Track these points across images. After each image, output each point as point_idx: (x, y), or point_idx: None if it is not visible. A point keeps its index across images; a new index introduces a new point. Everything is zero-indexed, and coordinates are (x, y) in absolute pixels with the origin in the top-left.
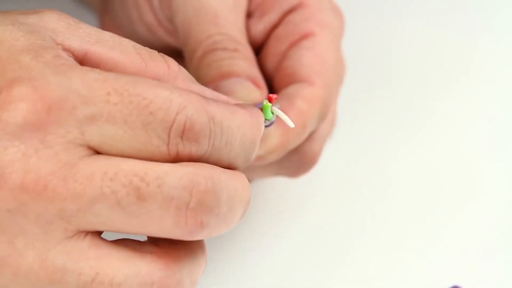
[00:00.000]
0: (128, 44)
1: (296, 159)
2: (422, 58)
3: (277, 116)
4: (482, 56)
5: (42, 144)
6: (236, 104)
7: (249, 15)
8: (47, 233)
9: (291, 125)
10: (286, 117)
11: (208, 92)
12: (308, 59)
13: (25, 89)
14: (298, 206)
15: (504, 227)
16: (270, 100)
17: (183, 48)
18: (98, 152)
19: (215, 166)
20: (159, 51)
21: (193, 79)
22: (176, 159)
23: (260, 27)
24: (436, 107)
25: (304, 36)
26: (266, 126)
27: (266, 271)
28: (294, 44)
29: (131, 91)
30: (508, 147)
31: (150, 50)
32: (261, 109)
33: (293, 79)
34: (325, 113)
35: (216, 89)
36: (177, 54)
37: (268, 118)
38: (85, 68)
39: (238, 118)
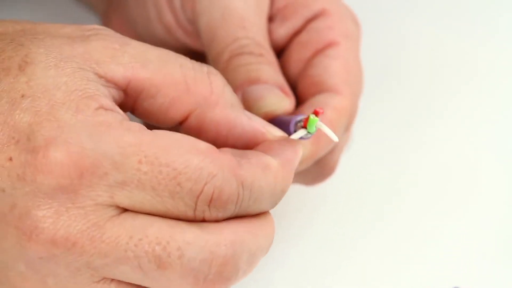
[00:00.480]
0: (174, 63)
1: (317, 169)
2: (429, 60)
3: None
4: (491, 57)
5: (73, 204)
6: (269, 146)
7: (270, 19)
8: (76, 277)
9: (335, 139)
10: (331, 132)
11: (244, 121)
12: (335, 68)
13: (61, 154)
14: (309, 209)
15: (505, 229)
16: (316, 114)
17: (207, 50)
18: (126, 209)
19: (240, 226)
20: (175, 51)
21: (235, 102)
22: (202, 221)
23: (281, 32)
24: (445, 110)
25: (329, 45)
26: (304, 139)
27: (278, 276)
28: (319, 52)
29: (161, 160)
30: None
31: (198, 67)
32: (304, 122)
33: (320, 88)
34: (350, 123)
35: (244, 94)
36: (194, 55)
37: (311, 132)
38: (121, 130)
39: (270, 175)
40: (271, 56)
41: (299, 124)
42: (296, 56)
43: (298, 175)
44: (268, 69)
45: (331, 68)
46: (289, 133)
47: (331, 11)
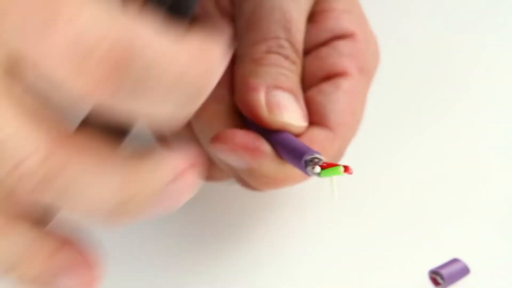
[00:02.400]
0: None
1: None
2: (426, 59)
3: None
4: (487, 55)
5: None
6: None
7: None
8: None
9: (335, 198)
10: (335, 190)
11: None
12: (341, 106)
13: None
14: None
15: (504, 201)
16: (346, 170)
17: (243, 31)
18: None
19: None
20: None
21: None
22: None
23: (307, 36)
24: (440, 110)
25: (343, 74)
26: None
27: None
28: (332, 77)
29: None
30: None
31: None
32: (326, 164)
33: (321, 122)
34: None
35: (269, 95)
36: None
37: (321, 175)
38: None
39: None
40: (301, 67)
41: (311, 158)
42: (310, 69)
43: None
44: (296, 80)
45: (337, 104)
46: (291, 157)
47: (358, 38)
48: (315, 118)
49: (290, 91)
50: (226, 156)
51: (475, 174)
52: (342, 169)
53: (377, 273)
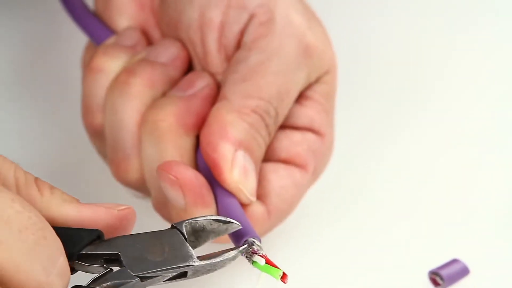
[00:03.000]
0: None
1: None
2: (408, 58)
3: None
4: (467, 55)
5: None
6: None
7: None
8: None
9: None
10: (260, 285)
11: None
12: (286, 194)
13: None
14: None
15: (503, 202)
16: (283, 278)
17: (234, 77)
18: None
19: None
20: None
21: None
22: None
23: (291, 115)
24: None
25: (302, 166)
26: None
27: None
28: (292, 164)
29: None
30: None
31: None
32: (265, 259)
33: (262, 199)
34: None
35: (237, 153)
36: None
37: (253, 264)
38: None
39: None
40: (270, 141)
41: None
42: (279, 143)
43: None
44: (263, 152)
45: (283, 190)
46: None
47: (326, 141)
48: (259, 191)
49: (255, 161)
50: (168, 188)
51: (475, 175)
52: (280, 274)
53: (377, 273)
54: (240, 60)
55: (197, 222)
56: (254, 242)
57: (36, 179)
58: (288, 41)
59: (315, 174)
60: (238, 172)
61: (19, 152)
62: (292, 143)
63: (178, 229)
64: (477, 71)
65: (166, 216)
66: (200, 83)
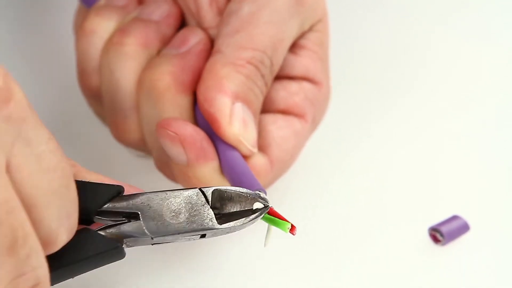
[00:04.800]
0: None
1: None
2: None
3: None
4: (451, 42)
5: None
6: None
7: None
8: None
9: (266, 245)
10: (269, 238)
11: None
12: (287, 145)
13: None
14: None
15: (502, 161)
16: (292, 230)
17: (227, 30)
18: None
19: None
20: None
21: None
22: None
23: (286, 65)
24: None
25: (300, 116)
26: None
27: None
28: (289, 113)
29: None
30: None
31: None
32: (270, 212)
33: (264, 150)
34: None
35: (235, 105)
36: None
37: (263, 220)
38: None
39: None
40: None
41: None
42: (276, 94)
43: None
44: (260, 103)
45: (283, 141)
46: (236, 182)
47: (323, 89)
48: (260, 143)
49: (253, 112)
50: (168, 145)
51: (474, 132)
52: (289, 226)
53: (377, 231)
54: (231, 12)
55: (225, 191)
56: (259, 194)
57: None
58: None
59: (314, 123)
60: (237, 125)
61: None
62: (289, 94)
63: (203, 193)
64: (461, 57)
65: (168, 175)
66: (193, 39)
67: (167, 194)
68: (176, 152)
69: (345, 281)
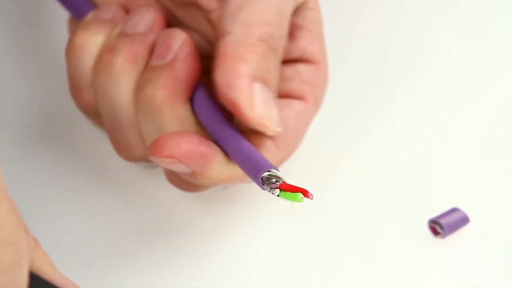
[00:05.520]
0: None
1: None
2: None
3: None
4: (447, 38)
5: None
6: None
7: None
8: None
9: (296, 219)
10: (296, 211)
11: None
12: (289, 125)
13: None
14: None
15: (502, 153)
16: (305, 195)
17: (233, 6)
18: None
19: None
20: None
21: None
22: None
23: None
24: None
25: (301, 98)
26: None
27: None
28: (289, 97)
29: None
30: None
31: None
32: (285, 186)
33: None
34: None
35: (253, 88)
36: None
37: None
38: None
39: None
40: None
41: (268, 175)
42: None
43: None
44: (277, 77)
45: (285, 123)
46: (247, 168)
47: (321, 68)
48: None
49: (273, 90)
50: (170, 166)
51: (475, 124)
52: (301, 196)
53: (376, 223)
54: None
55: None
56: (271, 175)
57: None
58: None
59: (317, 104)
60: (260, 106)
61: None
62: (284, 80)
63: None
64: (459, 55)
65: (182, 186)
66: (176, 43)
67: None
68: (178, 168)
69: (344, 274)
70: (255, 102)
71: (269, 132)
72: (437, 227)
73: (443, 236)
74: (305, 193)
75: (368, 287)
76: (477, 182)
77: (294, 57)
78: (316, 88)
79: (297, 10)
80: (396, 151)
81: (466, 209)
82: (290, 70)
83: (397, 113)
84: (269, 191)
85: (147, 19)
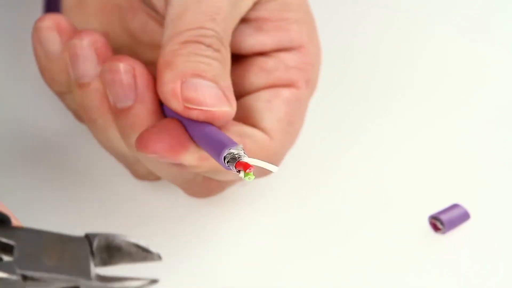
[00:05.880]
0: None
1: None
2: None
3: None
4: (439, 42)
5: None
6: None
7: (244, 20)
8: None
9: (273, 170)
10: (267, 165)
11: None
12: (278, 113)
13: None
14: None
15: (503, 149)
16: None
17: (168, 25)
18: None
19: None
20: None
21: None
22: None
23: (250, 41)
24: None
25: (289, 85)
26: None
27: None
28: (275, 87)
29: None
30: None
31: None
32: (241, 165)
33: (256, 126)
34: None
35: (184, 84)
36: None
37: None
38: None
39: None
40: (227, 55)
41: (230, 152)
42: (255, 76)
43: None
44: (219, 67)
45: (273, 111)
46: (211, 150)
47: (306, 50)
48: (250, 121)
49: (211, 79)
50: (154, 158)
51: (475, 120)
52: (250, 176)
53: (377, 219)
54: (168, 10)
55: (114, 240)
56: (232, 153)
57: None
58: None
59: (310, 86)
60: (193, 100)
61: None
62: (268, 72)
63: (89, 240)
64: (456, 52)
65: (200, 194)
66: (128, 78)
67: (52, 235)
68: (161, 160)
69: (344, 270)
70: (189, 99)
71: (218, 115)
72: (437, 223)
73: (444, 232)
74: (246, 167)
75: (369, 283)
76: (477, 178)
77: (269, 48)
78: (305, 71)
79: (259, 4)
80: (397, 147)
81: (466, 205)
82: (272, 60)
83: (397, 109)
84: (235, 171)
85: (91, 68)
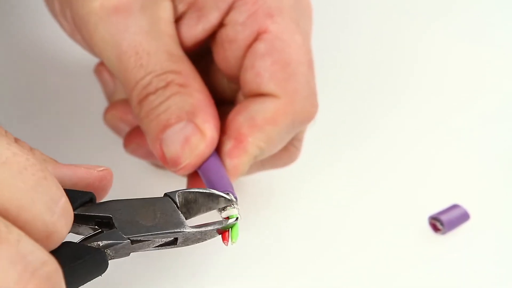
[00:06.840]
0: None
1: (281, 157)
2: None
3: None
4: (442, 47)
5: None
6: None
7: (180, 17)
8: None
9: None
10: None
11: None
12: (266, 69)
13: None
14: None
15: (502, 150)
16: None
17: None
18: None
19: None
20: None
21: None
22: None
23: (199, 28)
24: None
25: (257, 36)
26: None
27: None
28: (249, 48)
29: None
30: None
31: None
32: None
33: (255, 94)
34: (301, 114)
35: (163, 145)
36: None
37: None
38: None
39: None
40: (182, 75)
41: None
42: (227, 56)
43: (263, 163)
44: (180, 100)
45: (262, 70)
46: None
47: (283, 27)
48: (249, 94)
49: (177, 120)
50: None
51: (475, 120)
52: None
53: (377, 220)
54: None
55: (190, 193)
56: (226, 196)
57: (16, 139)
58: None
59: (304, 37)
60: (168, 156)
61: None
62: (234, 35)
63: (171, 198)
64: (458, 55)
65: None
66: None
67: (138, 201)
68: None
69: (345, 271)
70: (168, 155)
71: (205, 148)
72: (437, 223)
73: (444, 233)
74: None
75: (369, 283)
76: (477, 178)
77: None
78: (261, 8)
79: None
80: (397, 148)
81: (466, 205)
82: (230, 27)
83: (397, 111)
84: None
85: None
